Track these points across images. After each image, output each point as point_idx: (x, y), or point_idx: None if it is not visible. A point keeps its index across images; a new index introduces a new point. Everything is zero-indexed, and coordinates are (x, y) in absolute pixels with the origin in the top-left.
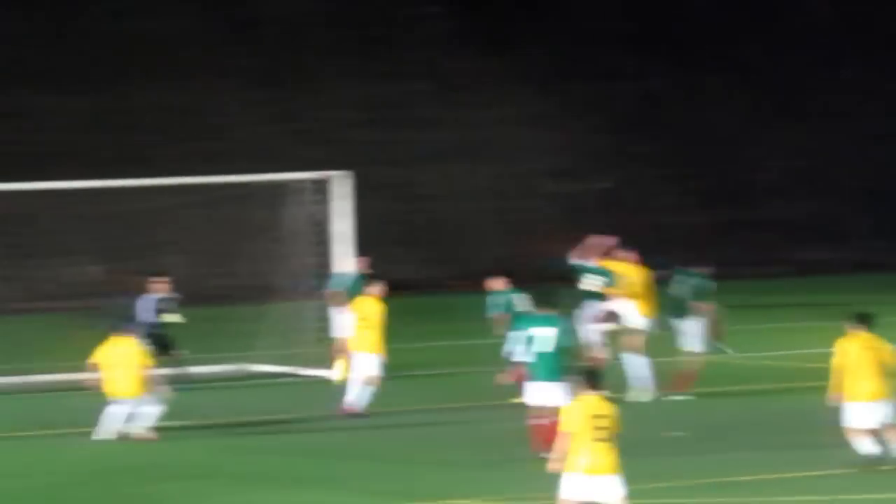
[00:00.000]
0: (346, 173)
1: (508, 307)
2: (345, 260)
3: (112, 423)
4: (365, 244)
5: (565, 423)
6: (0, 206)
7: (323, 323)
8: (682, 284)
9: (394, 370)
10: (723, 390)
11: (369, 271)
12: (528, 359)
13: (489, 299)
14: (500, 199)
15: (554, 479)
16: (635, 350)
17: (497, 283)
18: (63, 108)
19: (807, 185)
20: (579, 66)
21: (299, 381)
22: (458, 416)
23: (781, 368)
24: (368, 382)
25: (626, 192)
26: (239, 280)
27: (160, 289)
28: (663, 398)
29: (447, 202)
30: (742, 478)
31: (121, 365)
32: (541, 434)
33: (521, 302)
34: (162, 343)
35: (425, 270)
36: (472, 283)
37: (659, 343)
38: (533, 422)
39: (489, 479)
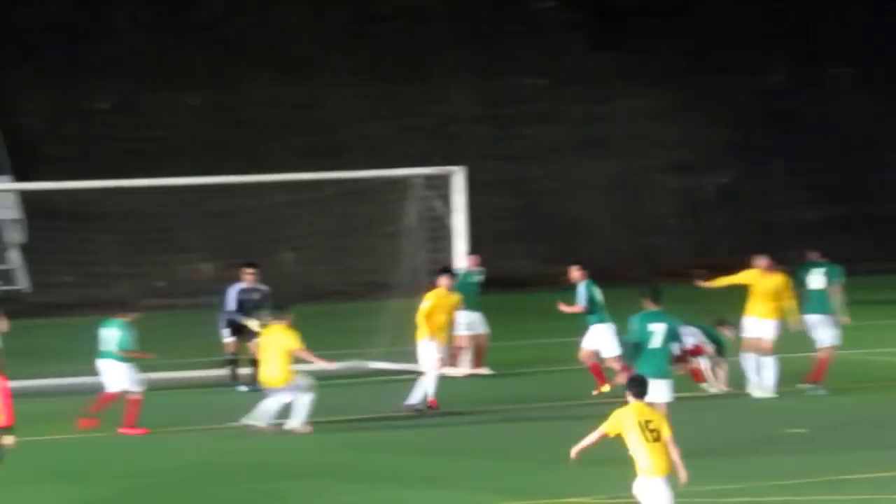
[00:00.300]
0: (461, 168)
1: (590, 298)
2: (460, 256)
3: (266, 412)
4: (479, 240)
5: (609, 426)
6: (113, 203)
7: None
8: (817, 276)
9: (508, 367)
10: (846, 387)
11: (478, 267)
12: (636, 355)
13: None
14: (616, 195)
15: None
16: (764, 351)
17: (575, 274)
18: (175, 105)
19: None
20: (698, 60)
21: (415, 378)
22: (567, 412)
23: None
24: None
25: (745, 186)
26: (352, 277)
27: (247, 279)
28: (801, 392)
29: (562, 198)
30: (858, 476)
31: (272, 353)
32: None
33: (598, 293)
34: (238, 330)
35: (540, 267)
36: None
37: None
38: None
39: (596, 477)
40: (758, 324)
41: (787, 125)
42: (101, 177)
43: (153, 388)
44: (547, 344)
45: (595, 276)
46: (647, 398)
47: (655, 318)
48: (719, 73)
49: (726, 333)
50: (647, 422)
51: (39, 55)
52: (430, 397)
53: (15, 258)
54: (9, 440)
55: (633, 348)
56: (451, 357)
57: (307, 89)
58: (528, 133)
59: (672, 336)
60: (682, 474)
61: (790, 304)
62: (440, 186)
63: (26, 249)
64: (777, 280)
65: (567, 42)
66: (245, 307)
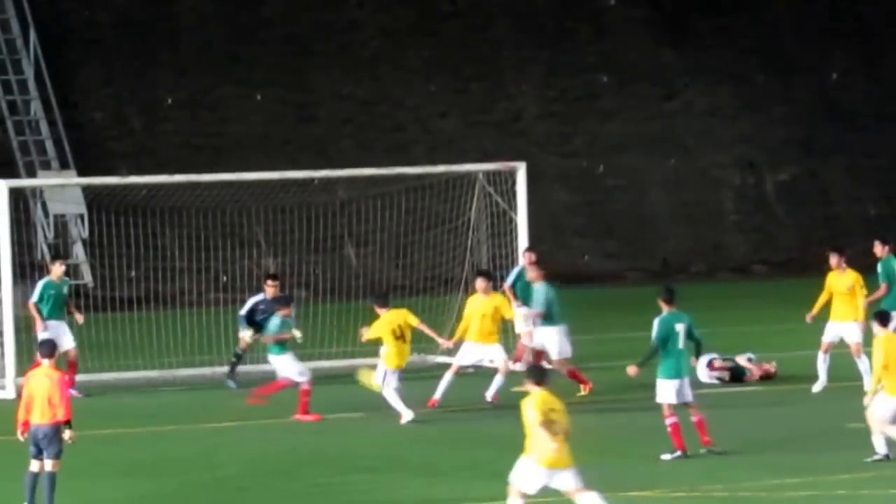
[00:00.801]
0: (523, 164)
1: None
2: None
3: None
4: (543, 236)
5: (527, 417)
6: (177, 198)
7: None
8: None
9: (577, 361)
10: None
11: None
12: (661, 355)
13: None
14: (679, 191)
15: (725, 471)
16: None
17: (532, 274)
18: (242, 100)
19: None
20: (759, 58)
21: (482, 372)
22: (633, 406)
23: None
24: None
25: (807, 183)
26: (416, 272)
27: (269, 291)
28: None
29: (625, 194)
30: None
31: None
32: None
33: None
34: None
35: (604, 262)
36: (651, 275)
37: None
38: (671, 420)
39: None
40: (839, 326)
41: (849, 122)
42: (166, 172)
43: (214, 383)
44: (611, 339)
45: (656, 272)
46: (680, 398)
47: (677, 318)
48: (781, 69)
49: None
50: (551, 410)
51: (106, 50)
52: (493, 394)
53: (79, 253)
54: (69, 434)
55: (657, 349)
56: (516, 353)
57: (374, 85)
58: (591, 130)
59: (690, 334)
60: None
61: (862, 301)
62: (504, 182)
63: (90, 244)
64: (851, 278)
65: (630, 39)
66: (255, 317)
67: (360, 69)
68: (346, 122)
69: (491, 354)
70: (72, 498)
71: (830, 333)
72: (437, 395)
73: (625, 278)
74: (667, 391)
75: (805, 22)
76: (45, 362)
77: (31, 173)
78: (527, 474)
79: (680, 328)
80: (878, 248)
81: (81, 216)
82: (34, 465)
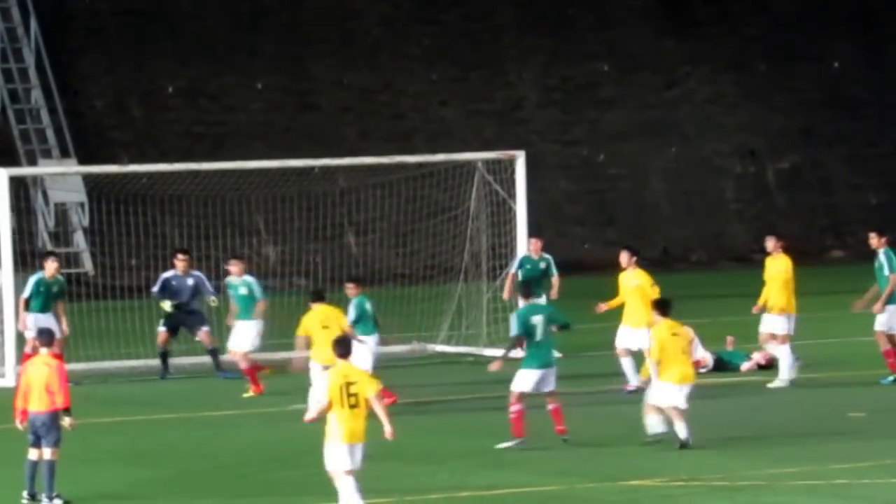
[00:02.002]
0: (523, 153)
1: (361, 312)
2: (524, 240)
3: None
4: (543, 224)
5: (324, 392)
6: (178, 187)
7: (503, 303)
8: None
9: (570, 350)
10: None
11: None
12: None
13: None
14: (680, 180)
15: (724, 461)
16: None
17: (350, 291)
18: (242, 88)
19: None
20: (761, 46)
21: (482, 360)
22: (634, 396)
23: None
24: None
25: (808, 172)
26: (416, 260)
27: (179, 266)
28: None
29: (626, 183)
30: None
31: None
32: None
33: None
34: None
35: (604, 251)
36: (652, 264)
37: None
38: (516, 408)
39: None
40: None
41: (850, 110)
42: (166, 160)
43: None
44: (611, 328)
45: (657, 261)
46: (538, 388)
47: (534, 311)
48: (782, 58)
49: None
50: (349, 384)
51: (106, 39)
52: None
53: (80, 241)
54: (69, 421)
55: (515, 343)
56: None
57: (375, 74)
58: (592, 118)
59: (553, 323)
60: (388, 430)
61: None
62: (504, 171)
63: (91, 233)
64: (783, 264)
65: (631, 28)
66: (169, 292)
67: (360, 57)
68: (347, 111)
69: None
70: (72, 485)
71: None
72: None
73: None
74: (525, 381)
75: (807, 10)
76: (44, 350)
77: (32, 162)
78: (334, 453)
79: (537, 320)
80: (875, 240)
81: (82, 204)
82: (33, 454)
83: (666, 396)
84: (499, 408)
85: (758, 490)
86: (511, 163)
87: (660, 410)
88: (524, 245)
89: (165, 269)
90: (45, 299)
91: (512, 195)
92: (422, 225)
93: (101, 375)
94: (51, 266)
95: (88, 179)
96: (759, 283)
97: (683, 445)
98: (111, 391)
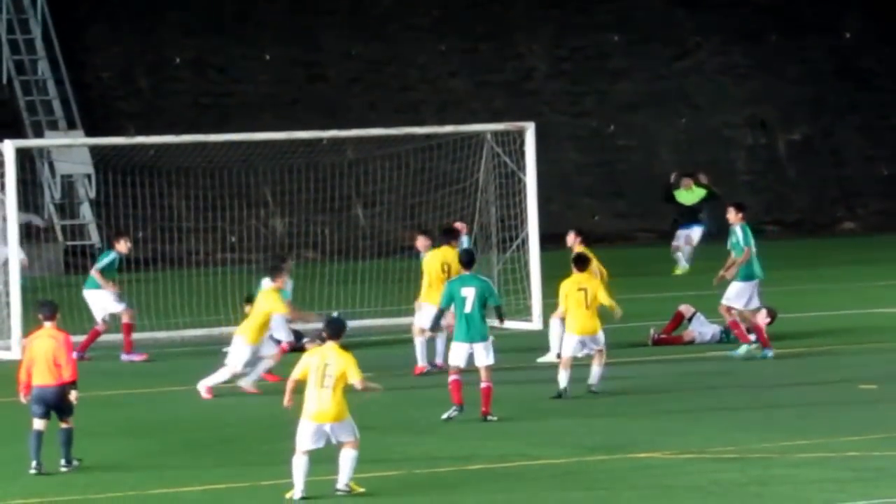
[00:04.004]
0: (532, 124)
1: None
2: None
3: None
4: (553, 196)
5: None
6: (186, 158)
7: (514, 275)
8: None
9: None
10: None
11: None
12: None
13: None
14: (691, 151)
15: (735, 433)
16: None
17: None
18: (250, 60)
19: None
20: (771, 17)
21: (493, 333)
22: (641, 367)
23: None
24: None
25: (819, 143)
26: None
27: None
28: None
29: (637, 154)
30: None
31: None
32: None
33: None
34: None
35: (615, 222)
36: (662, 236)
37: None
38: (453, 377)
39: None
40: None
41: (862, 81)
42: (174, 132)
43: (223, 343)
44: (620, 300)
45: (667, 233)
46: (471, 363)
47: (465, 282)
48: (794, 29)
49: None
50: (326, 366)
51: (113, 9)
52: None
53: (86, 213)
54: (74, 395)
55: (441, 312)
56: None
57: (384, 45)
58: (602, 89)
59: (485, 300)
60: (374, 386)
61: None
62: (513, 142)
63: (97, 205)
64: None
65: None
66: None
67: (369, 29)
68: (355, 82)
69: None
70: (79, 455)
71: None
72: None
73: (635, 239)
74: (456, 354)
75: None
76: (48, 324)
77: (39, 133)
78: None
79: (468, 293)
80: (732, 215)
81: (88, 176)
82: (38, 424)
83: (566, 347)
84: (507, 381)
85: (769, 462)
86: (520, 134)
87: (567, 364)
88: (534, 217)
89: (172, 241)
90: (113, 275)
91: (521, 167)
92: (430, 197)
93: (108, 348)
94: (125, 244)
95: (95, 151)
96: (770, 256)
97: (560, 395)
98: (118, 364)
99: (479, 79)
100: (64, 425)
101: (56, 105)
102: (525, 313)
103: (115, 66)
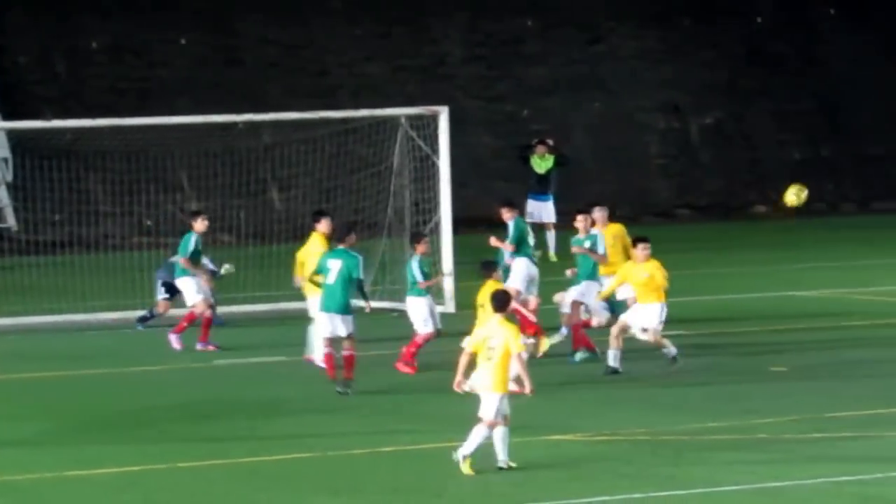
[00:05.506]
0: (446, 108)
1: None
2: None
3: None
4: (467, 180)
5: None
6: (102, 142)
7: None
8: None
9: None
10: (830, 326)
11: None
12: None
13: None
14: (604, 135)
15: (647, 416)
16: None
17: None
18: (167, 44)
19: None
20: (684, 1)
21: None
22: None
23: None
24: None
25: (731, 127)
26: (340, 216)
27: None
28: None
29: (552, 138)
30: (841, 413)
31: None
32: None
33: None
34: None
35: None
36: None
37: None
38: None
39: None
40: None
41: (774, 66)
42: (91, 116)
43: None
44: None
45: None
46: (335, 332)
47: (335, 255)
48: (706, 13)
49: None
50: (489, 338)
51: None
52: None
53: (3, 197)
54: None
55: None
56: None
57: (300, 29)
58: (516, 74)
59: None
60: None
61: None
62: (427, 126)
63: (15, 188)
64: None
65: None
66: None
67: (285, 13)
68: (272, 67)
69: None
70: None
71: None
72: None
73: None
74: (321, 324)
75: None
76: None
77: None
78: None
79: (333, 265)
80: (507, 213)
81: (6, 160)
82: None
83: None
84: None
85: (681, 444)
86: (435, 118)
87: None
88: (447, 201)
89: (88, 224)
90: (199, 256)
91: (435, 151)
92: (345, 180)
93: (25, 330)
94: (202, 223)
95: (12, 135)
96: (683, 239)
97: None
98: (34, 346)
99: (394, 63)
100: None
101: None
102: (439, 296)
103: (32, 51)
